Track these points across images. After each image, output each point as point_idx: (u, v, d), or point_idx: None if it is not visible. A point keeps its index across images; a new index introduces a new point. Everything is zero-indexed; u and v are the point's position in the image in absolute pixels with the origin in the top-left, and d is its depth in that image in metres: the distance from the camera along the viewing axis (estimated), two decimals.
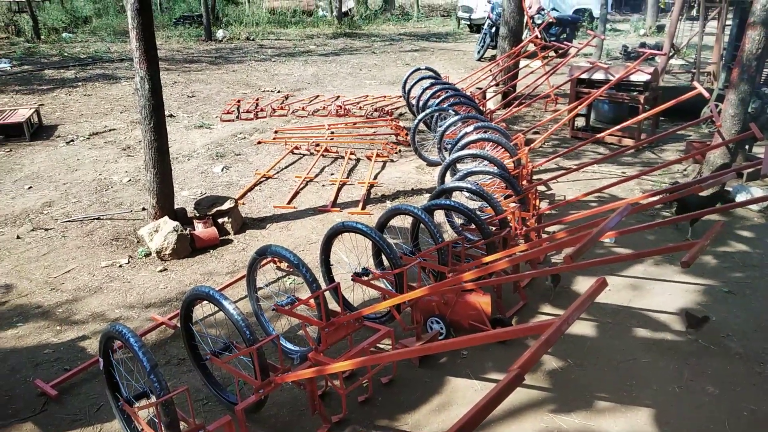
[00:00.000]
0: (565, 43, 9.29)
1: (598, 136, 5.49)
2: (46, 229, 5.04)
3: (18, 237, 4.89)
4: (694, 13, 12.80)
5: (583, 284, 4.07)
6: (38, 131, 7.77)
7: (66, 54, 13.52)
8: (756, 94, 5.74)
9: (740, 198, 5.27)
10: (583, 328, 3.60)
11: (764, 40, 4.87)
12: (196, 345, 3.05)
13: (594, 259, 2.49)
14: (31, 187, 5.97)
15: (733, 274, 4.18)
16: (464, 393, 3.06)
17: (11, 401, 3.06)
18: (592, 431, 2.79)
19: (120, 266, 4.44)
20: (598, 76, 7.38)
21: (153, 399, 2.39)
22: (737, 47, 5.72)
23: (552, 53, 10.31)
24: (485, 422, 2.81)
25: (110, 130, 7.95)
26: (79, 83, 10.61)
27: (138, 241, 4.79)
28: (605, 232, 2.30)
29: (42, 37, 15.56)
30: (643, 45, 13.49)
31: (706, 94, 4.85)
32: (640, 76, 7.06)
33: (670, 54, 10.17)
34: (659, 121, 7.96)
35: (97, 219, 5.24)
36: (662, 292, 3.98)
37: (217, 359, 2.68)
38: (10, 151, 7.05)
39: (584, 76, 7.47)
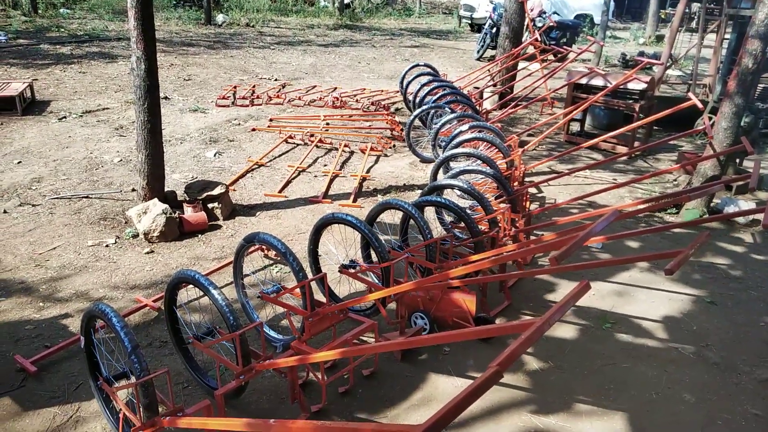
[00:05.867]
0: (564, 47, 9.32)
1: (592, 141, 5.53)
2: (34, 205, 5.00)
3: (5, 211, 4.85)
4: (693, 25, 12.87)
5: (567, 288, 4.09)
6: (30, 106, 7.69)
7: (63, 30, 13.37)
8: (749, 108, 5.79)
9: (728, 210, 5.32)
10: (565, 331, 3.63)
11: (761, 55, 4.90)
12: (179, 328, 3.05)
13: (580, 262, 2.51)
14: (20, 161, 5.91)
15: (716, 286, 4.22)
16: (445, 389, 3.08)
17: None
18: None
19: (107, 246, 4.41)
20: (596, 82, 7.41)
21: (133, 380, 2.38)
22: (734, 61, 5.76)
23: (551, 57, 10.32)
24: (465, 419, 2.84)
25: (104, 109, 7.89)
26: (75, 60, 10.50)
27: (126, 222, 4.76)
28: (591, 236, 2.32)
29: (39, 11, 15.39)
30: (641, 54, 13.55)
31: (700, 106, 4.89)
32: (637, 85, 7.10)
33: (668, 64, 10.23)
34: (653, 130, 8.01)
35: (85, 197, 5.20)
36: (646, 300, 4.01)
37: (199, 343, 2.67)
38: (1, 124, 6.97)
39: (582, 81, 7.50)
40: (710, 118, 5.55)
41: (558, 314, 1.61)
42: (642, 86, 7.09)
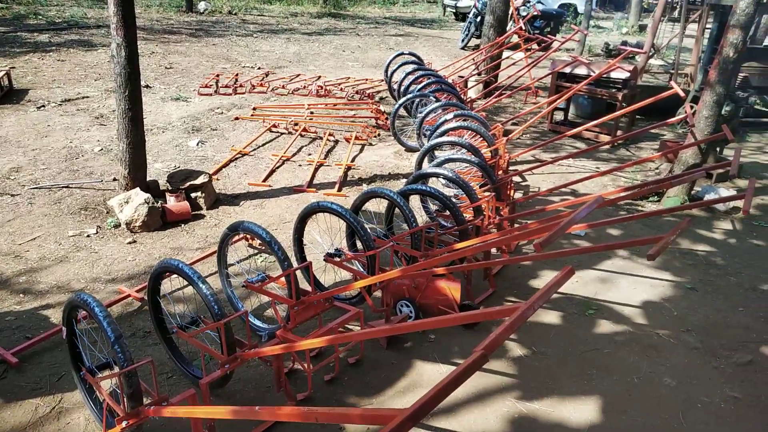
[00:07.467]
0: (548, 36, 9.33)
1: (575, 130, 5.55)
2: (13, 195, 4.91)
3: None
4: (675, 14, 12.96)
5: (551, 275, 4.13)
6: (8, 95, 7.53)
7: (41, 17, 13.09)
8: (730, 97, 5.85)
9: (709, 197, 5.39)
10: (549, 317, 3.67)
11: (741, 44, 4.95)
12: (163, 318, 3.02)
13: (563, 249, 2.52)
14: None
15: (697, 272, 4.29)
16: (430, 376, 3.10)
17: None
18: (552, 418, 2.85)
19: (88, 236, 4.35)
20: (579, 71, 7.44)
21: (116, 370, 2.36)
22: (715, 50, 5.81)
23: (535, 45, 10.34)
24: (449, 405, 2.86)
25: (83, 98, 7.76)
26: (53, 48, 10.30)
27: (107, 212, 4.70)
28: (574, 222, 2.33)
29: None
30: (624, 43, 13.61)
31: (682, 95, 4.93)
32: (620, 74, 7.14)
33: (650, 53, 10.30)
34: (636, 119, 8.07)
35: (66, 187, 5.12)
36: (628, 286, 4.06)
37: (183, 333, 2.65)
38: None
39: (565, 70, 7.53)
40: (692, 107, 5.60)
41: (542, 299, 1.62)
42: (625, 75, 7.14)
